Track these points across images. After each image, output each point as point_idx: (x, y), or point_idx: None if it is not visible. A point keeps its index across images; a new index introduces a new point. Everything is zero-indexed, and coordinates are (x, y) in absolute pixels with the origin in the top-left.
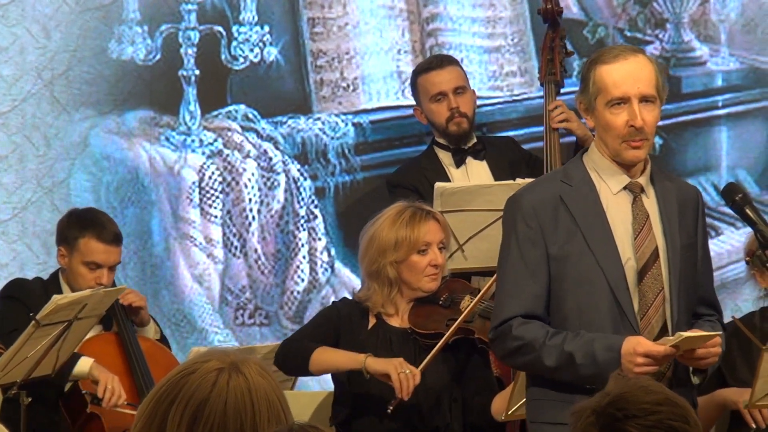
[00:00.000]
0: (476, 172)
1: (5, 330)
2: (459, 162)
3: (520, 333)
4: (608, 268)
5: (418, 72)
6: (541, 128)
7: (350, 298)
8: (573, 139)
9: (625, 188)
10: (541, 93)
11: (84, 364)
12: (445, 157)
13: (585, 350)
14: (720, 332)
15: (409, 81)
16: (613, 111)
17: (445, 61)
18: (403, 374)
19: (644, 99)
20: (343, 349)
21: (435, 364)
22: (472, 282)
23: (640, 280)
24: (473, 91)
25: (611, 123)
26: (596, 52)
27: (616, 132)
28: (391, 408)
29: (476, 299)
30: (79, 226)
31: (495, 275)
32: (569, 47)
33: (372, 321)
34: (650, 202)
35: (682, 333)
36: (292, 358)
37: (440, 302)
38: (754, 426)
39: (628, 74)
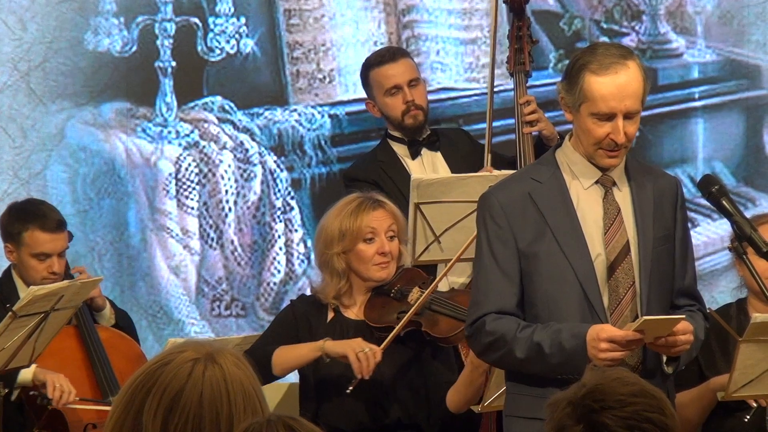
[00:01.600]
0: (432, 163)
1: None
2: (414, 153)
3: (492, 328)
4: (577, 265)
5: (370, 65)
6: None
7: (307, 294)
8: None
9: (596, 182)
10: (514, 83)
11: (26, 372)
12: (400, 150)
13: (552, 339)
14: (683, 316)
15: (360, 74)
16: (596, 122)
17: (397, 54)
18: (362, 353)
19: (629, 115)
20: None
21: (390, 356)
22: (438, 269)
23: (610, 275)
24: (424, 81)
25: (592, 132)
26: (588, 53)
27: (595, 140)
28: (351, 388)
29: (425, 294)
30: (21, 219)
31: (446, 267)
32: (546, 41)
33: (330, 314)
34: (623, 195)
35: (645, 317)
36: (257, 366)
37: (392, 294)
38: (755, 405)
39: (616, 90)
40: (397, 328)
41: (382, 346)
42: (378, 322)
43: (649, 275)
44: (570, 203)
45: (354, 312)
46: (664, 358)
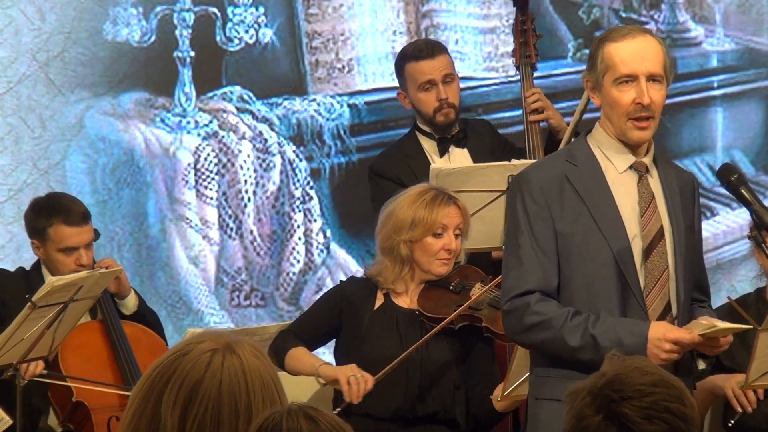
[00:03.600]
0: (458, 160)
1: None
2: (443, 151)
3: (540, 309)
4: (616, 245)
5: (408, 58)
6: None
7: (357, 276)
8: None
9: (630, 167)
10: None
11: None
12: (429, 145)
13: (610, 334)
14: (750, 326)
15: (394, 64)
16: (620, 88)
17: (436, 49)
18: (353, 378)
19: (652, 78)
20: (346, 329)
21: (440, 349)
22: None
23: (647, 258)
24: (458, 77)
25: (618, 100)
26: (605, 32)
27: (622, 109)
28: (339, 410)
29: (487, 287)
30: (45, 215)
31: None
32: (564, 32)
33: (380, 300)
34: (654, 183)
35: (716, 323)
36: (274, 355)
37: (450, 287)
38: (740, 410)
39: (636, 52)
40: (452, 315)
41: (378, 376)
42: (433, 312)
43: (683, 261)
44: (606, 186)
45: (405, 301)
46: (696, 353)
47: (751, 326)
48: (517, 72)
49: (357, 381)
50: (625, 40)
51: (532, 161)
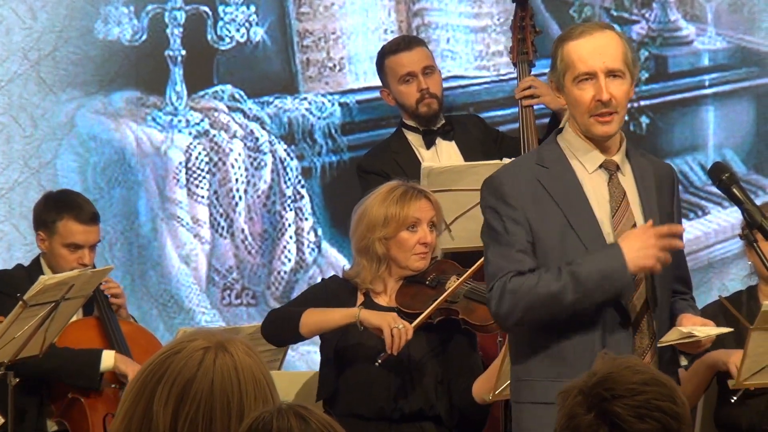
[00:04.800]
0: (446, 153)
1: None
2: (429, 143)
3: (515, 283)
4: (590, 244)
5: (386, 53)
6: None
7: (339, 277)
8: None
9: (600, 167)
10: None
11: (108, 359)
12: (415, 139)
13: (587, 265)
14: (731, 329)
15: (375, 63)
16: (580, 86)
17: (413, 42)
18: (395, 329)
19: (611, 73)
20: None
21: (420, 345)
22: None
23: None
24: (439, 71)
25: (579, 98)
26: (564, 31)
27: (584, 107)
28: (380, 361)
29: (461, 279)
30: (56, 209)
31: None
32: (555, 29)
33: (360, 299)
34: (627, 180)
35: (695, 331)
36: (281, 324)
37: (427, 282)
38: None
39: (593, 49)
40: (430, 308)
41: (414, 323)
42: (411, 308)
43: None
44: (579, 186)
45: (384, 299)
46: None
47: (731, 329)
48: (515, 68)
49: (399, 333)
50: (582, 37)
51: None
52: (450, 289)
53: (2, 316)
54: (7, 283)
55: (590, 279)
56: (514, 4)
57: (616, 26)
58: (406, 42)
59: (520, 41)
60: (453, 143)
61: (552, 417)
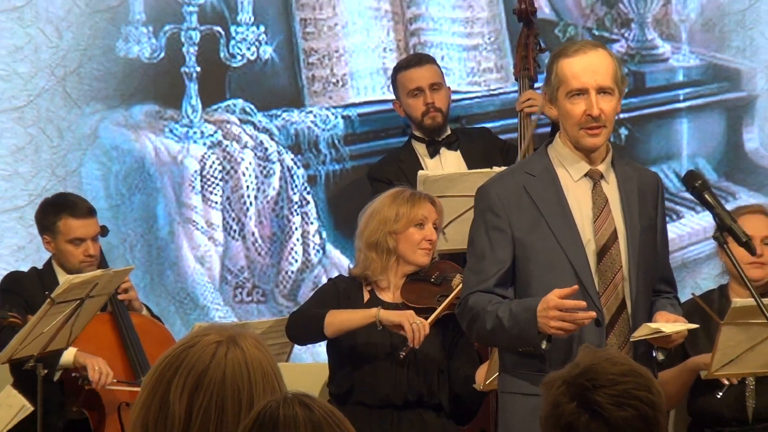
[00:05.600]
0: (449, 162)
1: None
2: (433, 153)
3: (473, 304)
4: (570, 251)
5: (398, 68)
6: (515, 120)
7: (344, 275)
8: (548, 130)
9: (585, 175)
10: (515, 88)
11: (68, 355)
12: (421, 148)
13: (510, 313)
14: (697, 326)
15: (390, 76)
16: (572, 101)
17: (423, 60)
18: (415, 324)
19: (602, 90)
20: None
21: (425, 338)
22: None
23: (600, 260)
24: (448, 87)
25: (570, 112)
26: (559, 47)
27: (574, 120)
28: (403, 354)
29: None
30: (53, 211)
31: None
32: (542, 44)
33: (366, 296)
34: (610, 188)
35: (662, 327)
36: (306, 326)
37: (432, 280)
38: (727, 383)
39: (586, 67)
40: (443, 305)
41: (430, 320)
42: (417, 303)
43: (637, 261)
44: (562, 194)
45: (389, 295)
46: (656, 346)
47: (696, 326)
48: (517, 82)
49: (418, 327)
50: (576, 55)
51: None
52: (458, 288)
53: (13, 313)
54: (14, 283)
55: (512, 330)
56: (521, 23)
57: None
58: (417, 59)
59: (523, 58)
60: (458, 153)
61: (533, 406)
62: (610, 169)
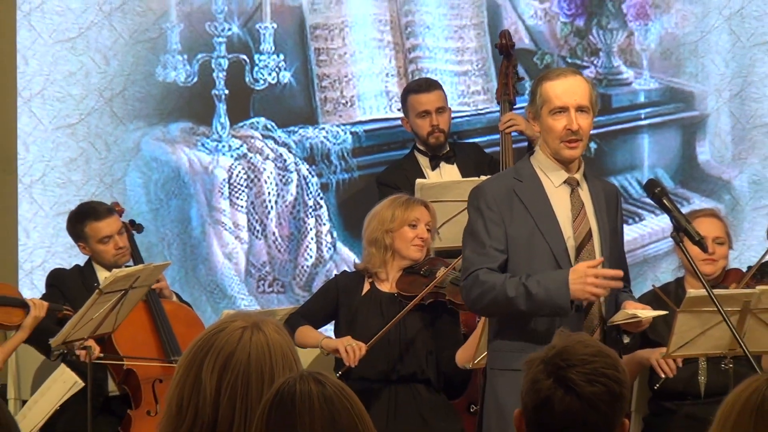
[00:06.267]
0: (448, 174)
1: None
2: (434, 166)
3: (485, 278)
4: (554, 245)
5: (410, 91)
6: (499, 135)
7: (349, 271)
8: (525, 144)
9: (564, 182)
10: (499, 108)
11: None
12: (424, 161)
13: (539, 282)
14: (666, 312)
15: (398, 97)
16: (555, 117)
17: (432, 86)
18: (349, 347)
19: (580, 108)
20: (341, 313)
21: (415, 321)
22: None
23: (578, 254)
24: (450, 109)
25: (553, 127)
26: (543, 72)
27: (556, 134)
28: (340, 373)
29: (447, 269)
30: (78, 220)
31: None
32: (521, 73)
33: (366, 287)
34: (584, 194)
35: (638, 313)
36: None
37: (421, 272)
38: (663, 376)
39: (567, 89)
40: (423, 292)
41: (372, 340)
42: (408, 291)
43: (608, 256)
44: (546, 197)
45: (387, 286)
46: (622, 330)
47: (665, 312)
48: (498, 106)
49: (353, 349)
50: (559, 79)
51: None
52: (438, 278)
53: (67, 306)
54: (57, 279)
55: (538, 296)
56: (502, 56)
57: None
58: (427, 84)
59: (504, 85)
60: (455, 166)
61: (518, 381)
62: (583, 179)
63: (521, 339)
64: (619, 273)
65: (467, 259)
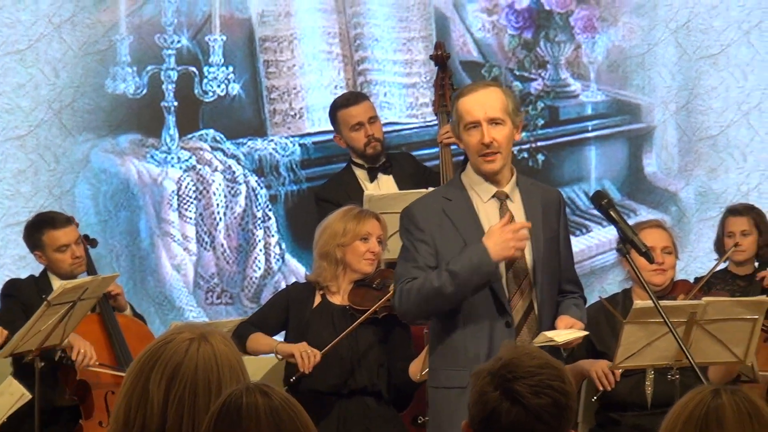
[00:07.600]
0: (385, 185)
1: (5, 321)
2: (372, 177)
3: (410, 285)
4: None
5: (338, 106)
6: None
7: (300, 282)
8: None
9: (493, 196)
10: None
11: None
12: (362, 174)
13: (459, 262)
14: (587, 333)
15: (329, 113)
16: (469, 133)
17: (360, 97)
18: (304, 353)
19: (492, 121)
20: (291, 323)
21: (367, 334)
22: None
23: (509, 269)
24: (379, 118)
25: (469, 142)
26: (459, 89)
27: (473, 149)
28: (293, 379)
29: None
30: (35, 228)
31: None
32: (454, 86)
33: (318, 299)
34: (515, 206)
35: (555, 338)
36: (237, 340)
37: (374, 285)
38: (601, 389)
39: (476, 102)
40: (374, 306)
41: (326, 349)
42: (360, 305)
43: (542, 268)
44: (475, 214)
45: (338, 298)
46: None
47: (585, 333)
48: (437, 117)
49: (308, 355)
50: (469, 94)
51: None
52: (391, 291)
53: (9, 319)
54: (14, 289)
55: (463, 271)
56: (437, 67)
57: (517, 83)
58: (354, 97)
59: (441, 96)
60: (391, 177)
61: (453, 398)
62: (516, 189)
63: (453, 357)
64: (527, 224)
65: (396, 273)
